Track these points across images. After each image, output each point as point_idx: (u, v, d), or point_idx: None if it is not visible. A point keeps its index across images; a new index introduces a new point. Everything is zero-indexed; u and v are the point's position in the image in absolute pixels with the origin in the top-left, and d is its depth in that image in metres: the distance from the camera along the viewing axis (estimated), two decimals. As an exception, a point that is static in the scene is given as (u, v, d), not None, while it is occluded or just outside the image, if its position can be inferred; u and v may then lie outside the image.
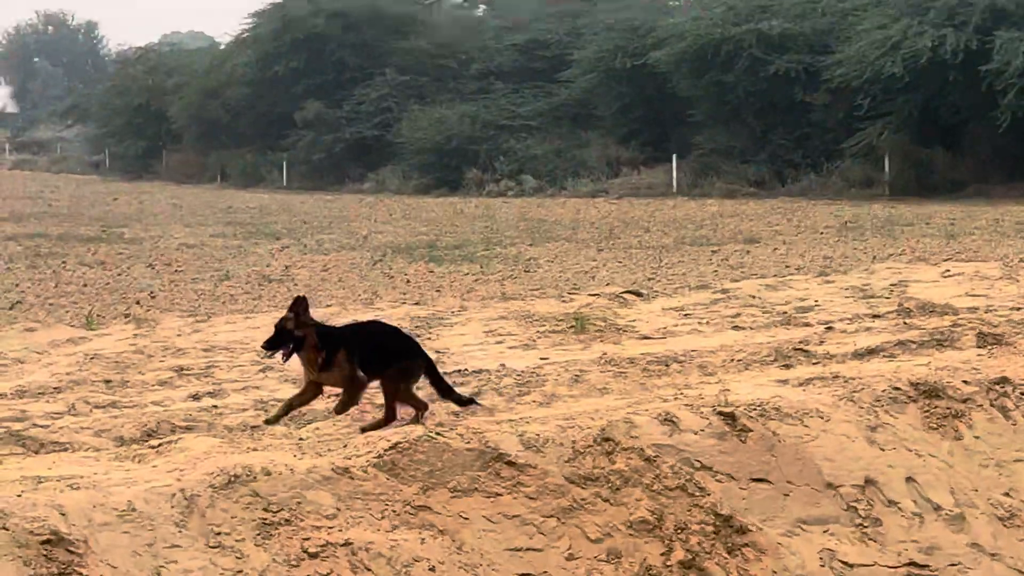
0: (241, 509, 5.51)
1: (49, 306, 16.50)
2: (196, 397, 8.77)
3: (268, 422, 6.73)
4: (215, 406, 8.39)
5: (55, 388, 9.09)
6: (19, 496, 5.10)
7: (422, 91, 51.98)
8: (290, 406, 6.61)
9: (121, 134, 60.97)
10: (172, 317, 13.97)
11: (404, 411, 6.59)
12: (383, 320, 8.28)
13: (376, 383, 6.50)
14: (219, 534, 5.36)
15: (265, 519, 5.51)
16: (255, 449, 6.35)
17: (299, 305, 6.24)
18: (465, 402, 6.87)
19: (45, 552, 4.79)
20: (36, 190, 49.98)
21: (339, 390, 6.51)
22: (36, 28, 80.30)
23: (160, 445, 6.80)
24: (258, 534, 5.45)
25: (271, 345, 6.22)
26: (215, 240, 28.84)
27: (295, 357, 6.31)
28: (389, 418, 6.47)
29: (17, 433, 7.18)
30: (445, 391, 6.75)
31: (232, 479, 5.64)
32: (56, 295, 18.03)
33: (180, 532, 5.25)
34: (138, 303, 16.80)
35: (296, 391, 6.79)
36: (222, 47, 60.43)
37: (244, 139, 55.37)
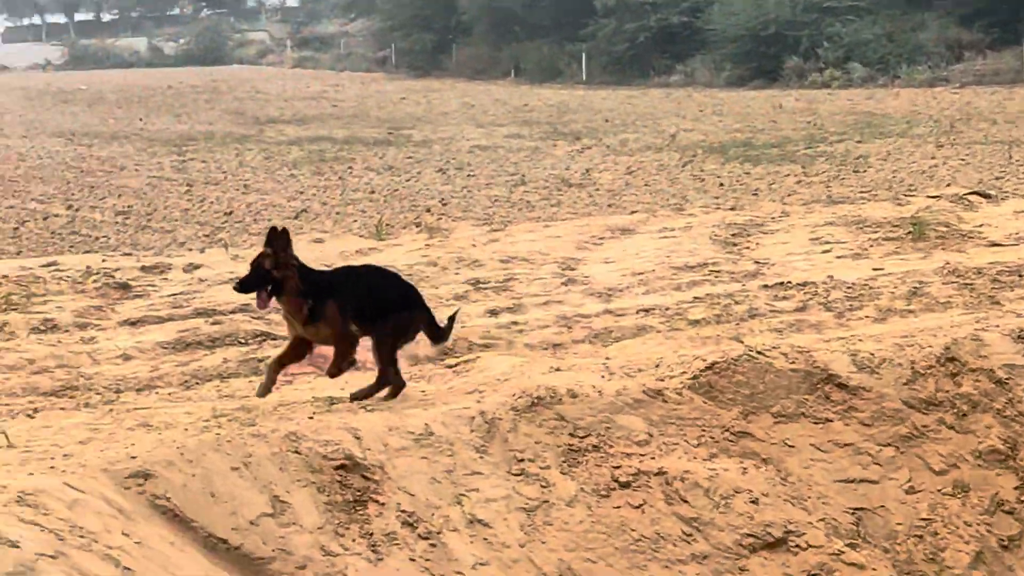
0: (545, 434, 5.42)
1: (336, 215, 16.78)
2: (494, 313, 8.75)
3: (259, 395, 5.65)
4: (514, 322, 8.37)
5: None
6: (311, 419, 5.13)
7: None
8: (277, 368, 5.62)
9: (408, 28, 57.32)
10: (465, 225, 13.99)
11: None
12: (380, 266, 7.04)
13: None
14: (522, 461, 5.27)
15: (571, 445, 5.41)
16: (558, 369, 6.27)
17: (278, 239, 5.27)
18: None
19: (340, 478, 4.81)
20: (319, 90, 48.70)
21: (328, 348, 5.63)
22: None
23: (457, 364, 6.94)
24: (564, 461, 5.32)
25: (244, 286, 5.31)
26: (509, 141, 28.16)
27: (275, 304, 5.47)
28: (383, 383, 5.57)
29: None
30: (436, 339, 5.98)
31: (535, 401, 5.56)
32: (343, 203, 18.16)
33: (481, 458, 5.21)
34: (428, 211, 16.68)
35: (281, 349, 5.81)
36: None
37: (540, 30, 52.94)
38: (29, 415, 6.04)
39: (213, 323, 8.34)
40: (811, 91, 41.03)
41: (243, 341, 7.90)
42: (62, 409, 6.24)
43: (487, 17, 54.53)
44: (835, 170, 20.56)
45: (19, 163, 24.12)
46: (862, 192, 17.39)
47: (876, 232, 11.16)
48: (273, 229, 5.30)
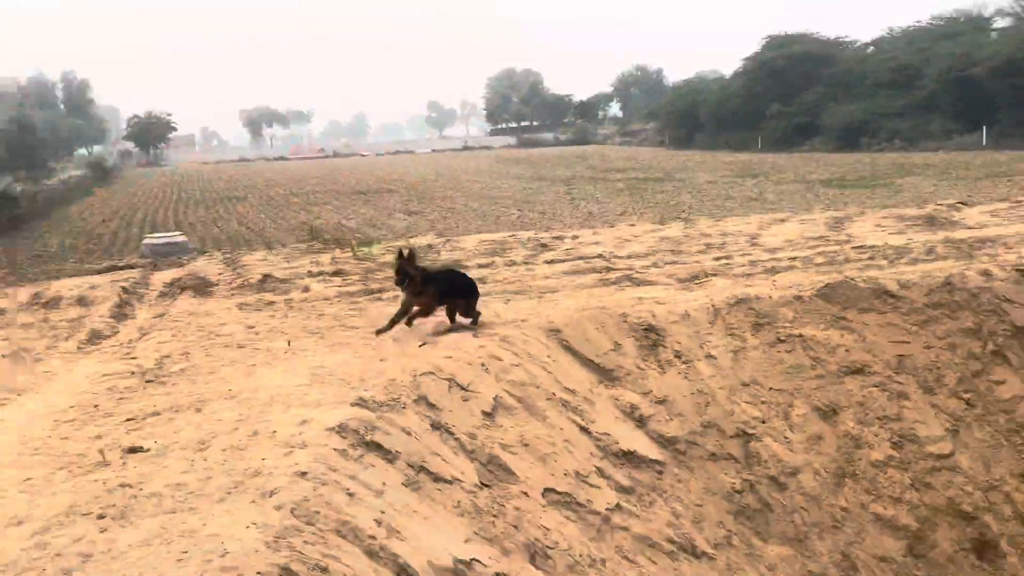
0: (743, 317, 9.31)
1: (639, 213, 26.92)
2: (717, 259, 12.76)
3: (379, 332, 8.65)
4: (727, 264, 12.26)
5: (645, 254, 13.70)
6: (632, 306, 9.35)
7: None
8: (394, 320, 8.66)
9: (675, 125, 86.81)
10: (703, 219, 19.09)
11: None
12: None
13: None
14: (731, 327, 9.20)
15: (756, 322, 9.29)
16: (750, 286, 10.15)
17: (409, 256, 8.39)
18: (473, 322, 8.81)
19: (644, 332, 8.90)
20: (628, 155, 71.79)
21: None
22: (633, 74, 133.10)
23: (699, 282, 10.79)
24: (752, 329, 9.22)
25: (397, 279, 8.44)
26: (724, 179, 40.74)
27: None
28: (476, 321, 8.70)
29: (629, 276, 11.53)
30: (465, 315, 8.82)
31: (738, 301, 9.47)
32: (642, 207, 29.26)
33: (711, 326, 9.16)
34: (684, 211, 26.01)
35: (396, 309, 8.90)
36: (727, 77, 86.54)
37: (730, 123, 74.19)
38: (504, 302, 10.13)
39: (584, 261, 12.95)
40: (872, 153, 53.54)
41: (598, 271, 12.08)
42: (521, 298, 10.38)
43: (714, 119, 75.03)
44: (887, 192, 28.09)
45: (494, 191, 39.38)
46: (900, 202, 22.86)
47: (909, 221, 15.55)
48: (400, 251, 8.58)
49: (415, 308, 8.58)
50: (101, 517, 4.76)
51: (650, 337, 8.91)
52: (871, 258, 11.79)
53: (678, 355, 8.83)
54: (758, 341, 9.12)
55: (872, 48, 73.96)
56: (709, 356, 8.93)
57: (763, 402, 8.69)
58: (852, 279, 9.77)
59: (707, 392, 8.54)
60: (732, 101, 74.37)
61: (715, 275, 11.25)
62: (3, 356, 9.06)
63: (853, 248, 12.77)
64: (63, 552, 4.40)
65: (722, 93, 77.77)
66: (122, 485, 5.18)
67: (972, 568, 8.58)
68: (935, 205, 17.97)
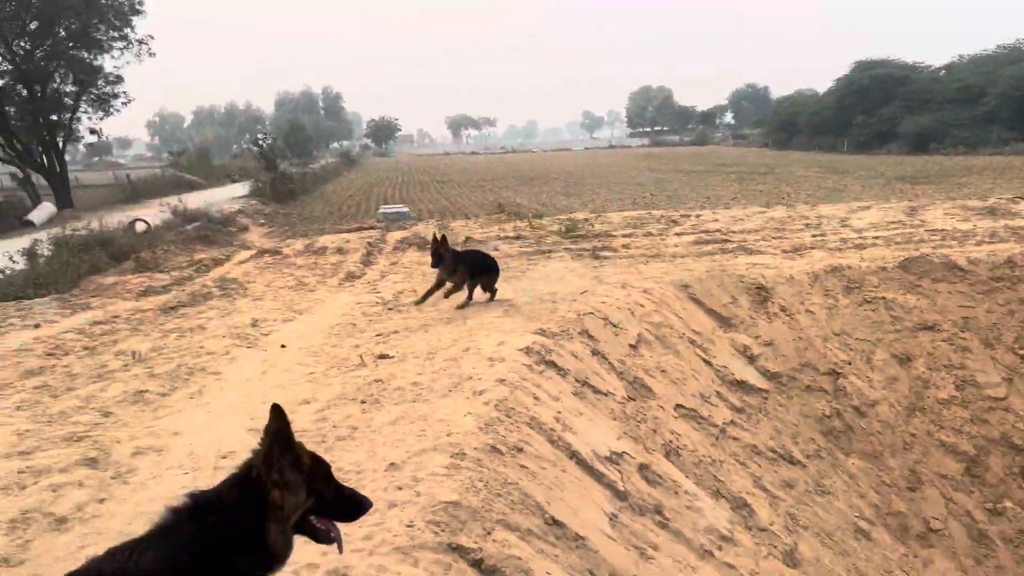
0: (837, 281, 8.91)
1: (747, 198, 23.16)
2: (814, 236, 12.09)
3: (417, 303, 7.66)
4: (823, 240, 11.61)
5: (756, 230, 13.06)
6: (746, 270, 9.07)
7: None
8: (428, 293, 7.62)
9: (778, 130, 77.50)
10: (800, 205, 18.01)
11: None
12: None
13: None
14: (827, 289, 8.82)
15: (847, 286, 8.88)
16: (842, 258, 9.61)
17: (442, 240, 7.18)
18: (492, 296, 7.59)
19: (756, 290, 8.65)
20: (737, 154, 65.76)
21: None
22: (745, 91, 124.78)
23: (802, 253, 10.33)
24: (843, 291, 8.81)
25: (434, 261, 7.22)
26: (817, 174, 35.34)
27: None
28: (493, 297, 7.50)
29: (742, 246, 11.11)
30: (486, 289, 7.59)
31: (834, 269, 9.06)
32: (749, 194, 25.35)
33: (810, 288, 8.81)
34: (784, 198, 22.57)
35: (431, 285, 7.82)
36: (820, 93, 77.24)
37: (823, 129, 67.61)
38: (644, 263, 10.02)
39: (706, 234, 12.47)
40: (940, 156, 45.45)
41: (717, 242, 11.68)
42: (656, 261, 10.20)
43: (809, 126, 68.97)
44: (953, 188, 23.35)
45: (632, 180, 35.52)
46: (965, 196, 19.34)
47: (973, 211, 13.80)
48: (433, 235, 7.49)
49: (449, 285, 7.50)
50: (362, 402, 5.03)
51: (761, 294, 8.65)
52: (942, 239, 10.92)
53: (783, 309, 8.54)
54: (848, 301, 8.71)
55: (944, 72, 68.41)
56: (808, 311, 8.60)
57: (850, 349, 8.30)
58: (927, 255, 9.13)
59: (805, 338, 8.23)
60: (825, 112, 70.59)
61: (813, 248, 10.72)
62: (290, 287, 9.62)
63: (926, 231, 11.87)
64: (337, 425, 4.67)
65: (817, 105, 74.02)
66: (375, 380, 5.44)
67: (1019, 489, 7.96)
68: (996, 198, 16.31)
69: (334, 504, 2.14)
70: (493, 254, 7.92)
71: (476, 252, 8.02)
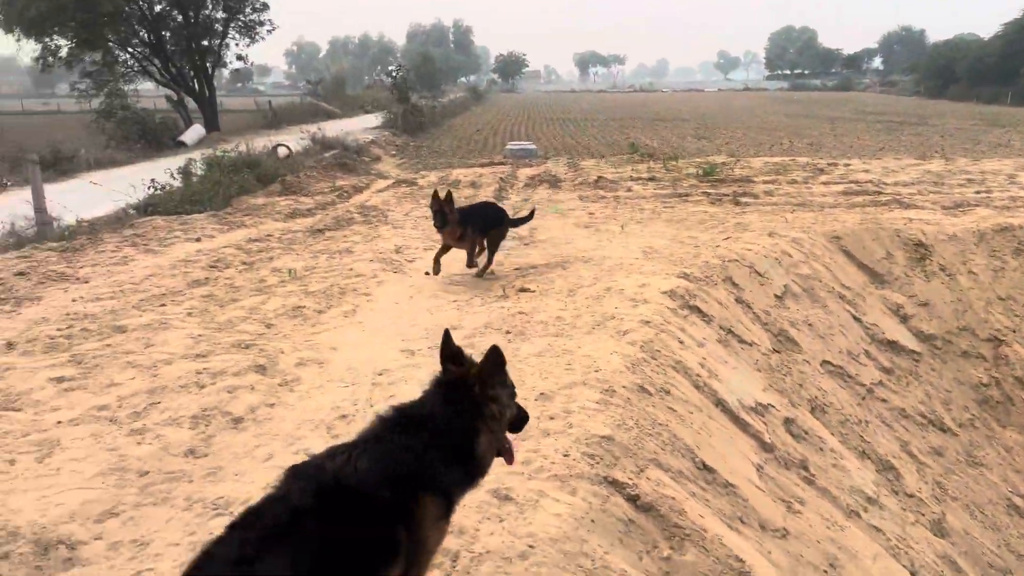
0: (1005, 242, 8.23)
1: (896, 150, 20.80)
2: (977, 192, 11.03)
3: (428, 273, 6.64)
4: (988, 197, 10.57)
5: (910, 183, 11.97)
6: (904, 224, 8.46)
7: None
8: (437, 257, 6.57)
9: (933, 77, 70.23)
10: (960, 158, 16.23)
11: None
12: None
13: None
14: (994, 250, 8.19)
15: (1017, 247, 8.23)
16: (1012, 217, 8.80)
17: (446, 199, 6.29)
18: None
19: (914, 246, 8.07)
20: (885, 102, 55.57)
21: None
22: (899, 33, 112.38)
23: (964, 210, 9.56)
24: (1012, 253, 8.17)
25: (437, 221, 6.29)
26: (976, 126, 31.06)
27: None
28: (490, 261, 6.67)
29: (897, 199, 10.33)
30: (517, 224, 6.90)
31: (1003, 228, 8.38)
32: (898, 145, 22.17)
33: (975, 247, 8.17)
34: (938, 151, 20.39)
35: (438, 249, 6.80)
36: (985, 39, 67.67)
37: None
38: (785, 215, 9.55)
39: (856, 185, 11.63)
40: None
41: (869, 193, 10.87)
42: (802, 210, 9.61)
43: (969, 73, 61.87)
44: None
45: (768, 124, 31.55)
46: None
47: None
48: (435, 192, 6.34)
49: (463, 244, 6.61)
50: (508, 332, 5.10)
51: (919, 251, 8.16)
52: (1007, 207, 9.77)
53: (942, 268, 8.03)
54: (1017, 263, 8.07)
55: None
56: (971, 272, 8.04)
57: (1016, 315, 7.70)
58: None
59: (965, 301, 7.70)
60: (988, 59, 63.93)
61: (977, 206, 9.91)
62: (428, 217, 9.79)
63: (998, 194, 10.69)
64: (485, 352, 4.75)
65: (980, 51, 67.25)
66: (519, 312, 5.51)
67: None
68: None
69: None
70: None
71: (484, 205, 7.20)
